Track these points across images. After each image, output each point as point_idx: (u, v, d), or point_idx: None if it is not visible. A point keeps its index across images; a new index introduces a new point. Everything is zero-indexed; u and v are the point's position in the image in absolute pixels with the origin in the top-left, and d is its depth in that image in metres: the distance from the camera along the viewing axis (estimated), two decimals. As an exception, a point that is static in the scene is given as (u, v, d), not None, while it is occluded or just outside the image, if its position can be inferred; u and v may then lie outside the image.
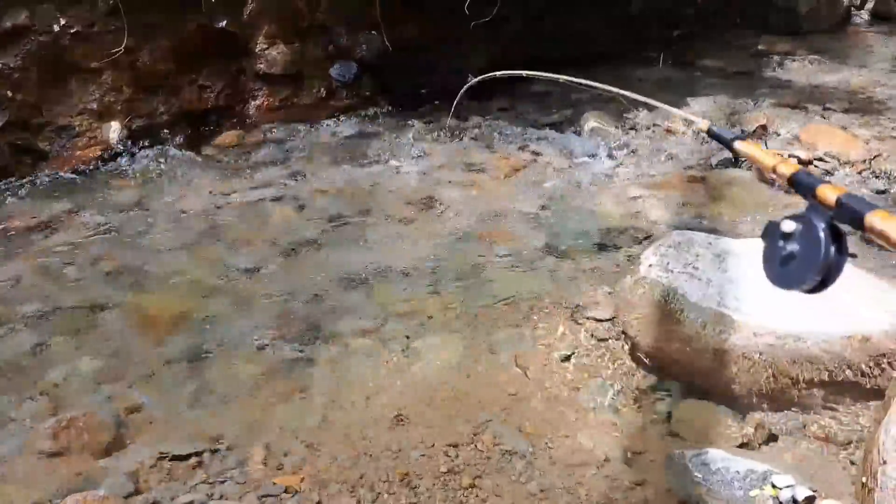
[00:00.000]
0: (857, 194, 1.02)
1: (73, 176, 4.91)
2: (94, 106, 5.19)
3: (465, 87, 3.04)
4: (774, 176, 1.19)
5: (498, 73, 2.77)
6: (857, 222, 0.99)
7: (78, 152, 5.07)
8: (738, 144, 1.30)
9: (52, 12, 4.92)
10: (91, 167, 5.02)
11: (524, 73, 2.53)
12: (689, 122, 1.36)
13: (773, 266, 1.11)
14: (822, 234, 1.02)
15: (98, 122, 5.22)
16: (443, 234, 4.23)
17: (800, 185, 1.11)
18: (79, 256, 3.98)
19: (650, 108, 5.64)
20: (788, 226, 1.08)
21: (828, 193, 1.04)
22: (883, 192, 4.33)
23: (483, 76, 3.00)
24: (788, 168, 1.14)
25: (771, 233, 1.11)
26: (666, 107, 1.73)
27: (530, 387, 3.00)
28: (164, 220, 4.37)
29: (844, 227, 1.02)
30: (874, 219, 0.97)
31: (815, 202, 1.05)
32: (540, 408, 2.89)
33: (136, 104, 5.35)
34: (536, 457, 2.64)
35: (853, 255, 1.05)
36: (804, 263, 1.05)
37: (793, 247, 1.07)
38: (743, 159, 1.28)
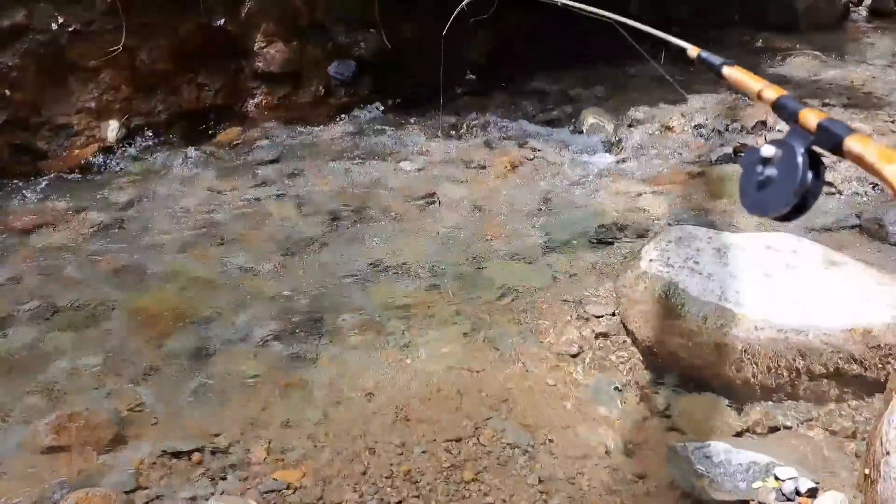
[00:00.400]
0: (839, 119, 1.01)
1: (72, 175, 4.90)
2: (93, 105, 5.18)
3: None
4: (759, 101, 1.18)
5: None
6: (837, 146, 0.99)
7: (76, 151, 5.07)
8: (725, 70, 1.30)
9: (49, 11, 4.91)
10: (90, 166, 5.00)
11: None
12: (680, 49, 1.35)
13: (750, 192, 1.10)
14: (800, 159, 1.02)
15: (96, 120, 5.21)
16: (442, 231, 4.23)
17: (784, 109, 1.10)
18: (78, 255, 3.97)
19: (647, 103, 5.66)
20: (768, 150, 1.06)
21: (809, 118, 1.03)
22: (875, 183, 4.32)
23: None
24: (774, 92, 1.14)
25: (749, 159, 1.10)
26: (660, 33, 1.73)
27: (531, 381, 3.00)
28: (164, 218, 4.36)
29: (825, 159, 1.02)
30: (853, 143, 0.97)
31: (797, 126, 1.05)
32: (541, 402, 2.89)
33: (135, 103, 5.35)
34: (538, 450, 2.64)
35: (829, 184, 1.04)
36: (781, 188, 1.04)
37: (771, 172, 1.06)
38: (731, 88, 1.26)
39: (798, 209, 1.04)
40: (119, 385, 2.99)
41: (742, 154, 1.06)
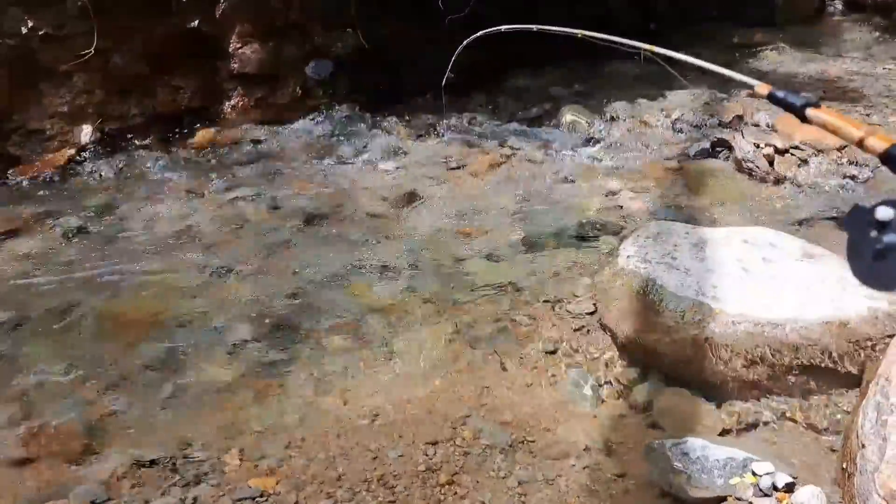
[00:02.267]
0: None
1: (45, 180, 4.82)
2: (66, 109, 5.11)
3: (468, 40, 2.93)
4: (861, 149, 0.98)
5: (503, 28, 2.63)
6: None
7: (49, 156, 4.99)
8: (810, 112, 1.10)
9: (19, 15, 4.84)
10: (63, 171, 4.92)
11: (535, 27, 2.40)
12: (747, 86, 1.17)
13: (863, 262, 0.91)
14: None
15: (70, 125, 5.14)
16: (421, 231, 4.20)
17: None
18: (51, 261, 3.91)
19: (626, 99, 5.65)
20: (885, 213, 0.89)
21: None
22: (854, 177, 4.34)
23: (488, 31, 2.84)
24: (882, 142, 0.95)
25: (858, 220, 0.92)
26: (715, 67, 1.59)
27: (510, 380, 2.98)
28: (138, 222, 4.30)
29: None
30: None
31: None
32: (520, 401, 2.86)
33: (109, 106, 5.28)
34: (516, 450, 2.61)
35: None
36: None
37: (892, 238, 0.89)
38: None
39: None
40: (90, 394, 2.94)
41: (848, 214, 0.85)
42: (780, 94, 1.20)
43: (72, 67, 5.04)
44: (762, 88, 1.26)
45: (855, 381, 2.65)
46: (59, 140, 5.08)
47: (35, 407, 2.87)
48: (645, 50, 1.86)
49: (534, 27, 2.44)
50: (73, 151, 5.06)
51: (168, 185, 4.78)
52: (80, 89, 5.16)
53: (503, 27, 2.70)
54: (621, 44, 1.95)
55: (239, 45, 5.71)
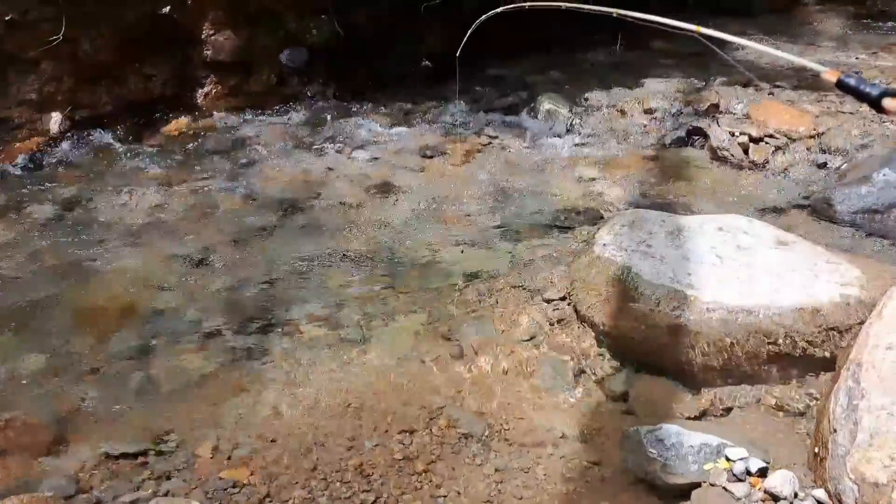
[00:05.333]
0: None
1: (14, 169, 4.72)
2: (34, 96, 5.00)
3: (482, 19, 2.82)
4: None
5: (527, 5, 2.50)
6: None
7: (18, 144, 4.89)
8: (888, 102, 1.04)
9: (-17, 0, 4.72)
10: (33, 159, 4.82)
11: (563, 5, 2.26)
12: (815, 73, 1.08)
13: None
14: None
15: (38, 113, 5.04)
16: (398, 220, 4.18)
17: None
18: (19, 252, 3.83)
19: (603, 88, 5.65)
20: None
21: None
22: (824, 165, 4.38)
23: (508, 7, 2.69)
24: None
25: None
26: (781, 53, 1.51)
27: (486, 369, 2.97)
28: (109, 212, 4.23)
29: None
30: None
31: None
32: (496, 390, 2.86)
33: (79, 95, 5.17)
34: (492, 438, 2.61)
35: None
36: None
37: None
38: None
39: None
40: (60, 386, 2.89)
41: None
42: (852, 81, 1.14)
43: (39, 54, 4.93)
44: (830, 75, 1.21)
45: (827, 367, 2.67)
46: (28, 128, 4.98)
47: (3, 399, 2.81)
48: (693, 32, 1.77)
49: (562, 5, 2.33)
50: (42, 140, 4.96)
51: (140, 174, 4.70)
52: (49, 76, 5.05)
53: (527, 3, 2.59)
54: (666, 25, 1.85)
55: (212, 32, 5.61)
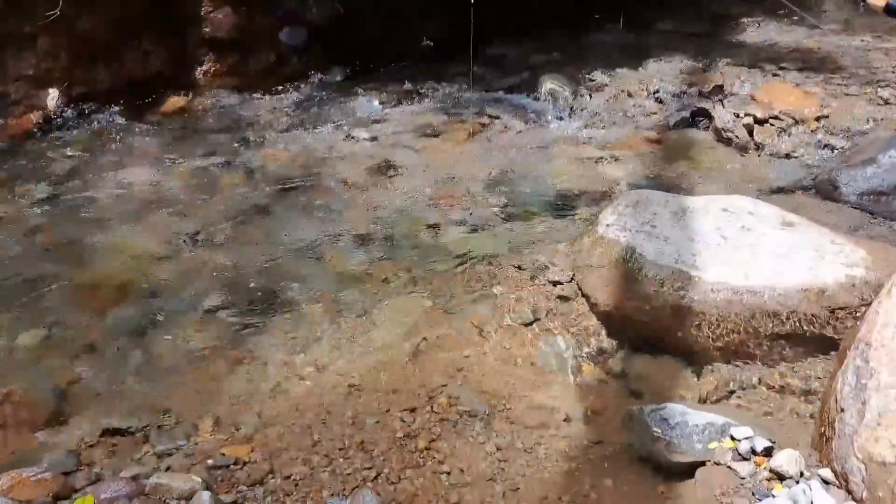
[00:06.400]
0: None
1: (11, 145, 4.67)
2: (31, 73, 4.95)
3: None
4: None
5: None
6: None
7: (14, 121, 4.85)
8: None
9: (-21, -24, 4.66)
10: (30, 136, 4.78)
11: None
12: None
13: None
14: None
15: (36, 89, 4.99)
16: (398, 200, 4.13)
17: None
18: (17, 228, 3.79)
19: (606, 68, 5.59)
20: None
21: None
22: (829, 146, 4.35)
23: None
24: None
25: None
26: None
27: (488, 349, 2.94)
28: (107, 189, 4.18)
29: None
30: None
31: None
32: (498, 369, 2.84)
33: (76, 71, 5.12)
34: (494, 417, 2.59)
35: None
36: None
37: None
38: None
39: None
40: (59, 362, 2.87)
41: None
42: None
43: (36, 30, 4.87)
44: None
45: (832, 348, 2.65)
46: (25, 104, 4.94)
47: (1, 374, 2.78)
48: None
49: None
50: (39, 116, 4.91)
51: (138, 152, 4.66)
52: (46, 53, 5.00)
53: None
54: None
55: (210, 9, 5.54)
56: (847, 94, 4.66)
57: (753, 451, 2.22)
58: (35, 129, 4.84)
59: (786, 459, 2.14)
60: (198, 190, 4.22)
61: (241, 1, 5.61)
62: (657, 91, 5.24)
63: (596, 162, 4.52)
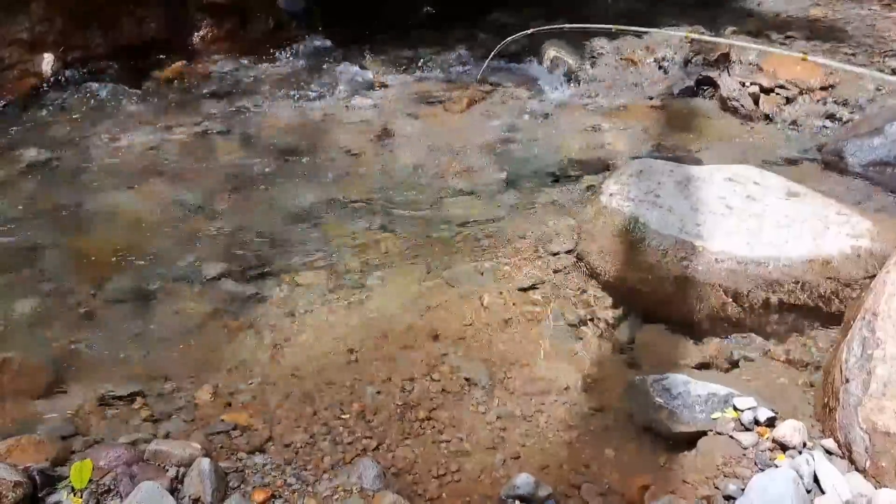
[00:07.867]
0: None
1: (5, 109, 4.60)
2: (25, 36, 4.86)
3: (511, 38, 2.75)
4: None
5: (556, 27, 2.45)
6: None
7: (9, 85, 4.76)
8: None
9: (-29, -66, 4.55)
10: (25, 101, 4.70)
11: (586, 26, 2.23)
12: None
13: None
14: None
15: (30, 53, 4.90)
16: (398, 168, 4.09)
17: None
18: (12, 194, 3.75)
19: (610, 36, 5.50)
20: None
21: None
22: (835, 116, 4.29)
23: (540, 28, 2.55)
24: None
25: None
26: None
27: (489, 318, 2.92)
28: (103, 155, 4.13)
29: None
30: None
31: None
32: (499, 339, 2.81)
33: (71, 36, 5.03)
34: (495, 386, 2.57)
35: None
36: None
37: None
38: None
39: None
40: (56, 329, 2.84)
41: None
42: None
43: (29, -8, 4.78)
44: None
45: (836, 319, 2.64)
46: (20, 69, 4.85)
47: (-1, 342, 2.76)
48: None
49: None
50: (34, 81, 4.83)
51: (135, 118, 4.59)
52: (40, 17, 4.90)
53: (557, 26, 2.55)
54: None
55: (208, -27, 5.44)
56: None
57: (756, 422, 2.21)
58: (30, 94, 4.76)
59: (789, 430, 2.12)
60: (195, 156, 4.17)
61: (239, -36, 5.51)
62: (662, 59, 5.16)
63: (599, 130, 4.47)
